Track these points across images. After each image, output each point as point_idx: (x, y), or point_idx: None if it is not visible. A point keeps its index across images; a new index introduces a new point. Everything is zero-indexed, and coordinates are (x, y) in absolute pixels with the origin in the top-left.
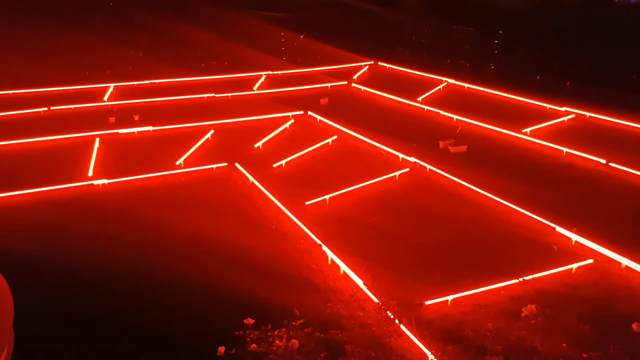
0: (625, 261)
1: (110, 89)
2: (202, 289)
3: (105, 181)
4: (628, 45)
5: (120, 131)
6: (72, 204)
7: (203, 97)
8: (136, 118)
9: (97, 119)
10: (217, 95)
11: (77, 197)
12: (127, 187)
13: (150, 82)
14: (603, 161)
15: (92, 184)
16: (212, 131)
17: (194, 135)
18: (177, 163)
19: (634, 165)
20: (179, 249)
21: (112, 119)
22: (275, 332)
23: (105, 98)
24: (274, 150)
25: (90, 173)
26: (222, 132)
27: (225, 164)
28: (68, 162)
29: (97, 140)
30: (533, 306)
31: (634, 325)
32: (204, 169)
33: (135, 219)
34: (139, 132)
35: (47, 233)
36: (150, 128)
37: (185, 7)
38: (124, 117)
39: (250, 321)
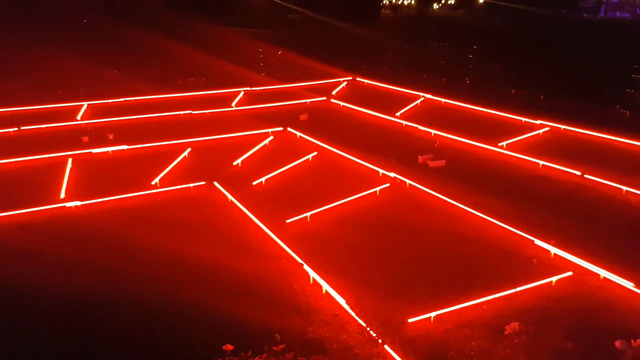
0: (603, 272)
1: (84, 108)
2: (178, 313)
3: (78, 203)
4: (598, 59)
5: (94, 151)
6: (43, 228)
7: (180, 115)
8: (110, 137)
9: (70, 139)
10: (194, 112)
11: (48, 221)
12: (101, 208)
13: (125, 100)
14: (578, 173)
15: (65, 206)
16: (189, 149)
17: (170, 154)
18: (153, 183)
19: (608, 176)
20: (154, 272)
21: (85, 138)
22: (256, 359)
23: (79, 117)
24: (254, 168)
25: (62, 195)
26: (199, 150)
27: (203, 182)
28: (39, 183)
29: (70, 160)
30: (516, 324)
31: (617, 343)
32: (181, 189)
33: (110, 241)
34: (113, 151)
35: (16, 258)
36: (125, 147)
37: (161, 24)
38: (98, 136)
39: (229, 347)
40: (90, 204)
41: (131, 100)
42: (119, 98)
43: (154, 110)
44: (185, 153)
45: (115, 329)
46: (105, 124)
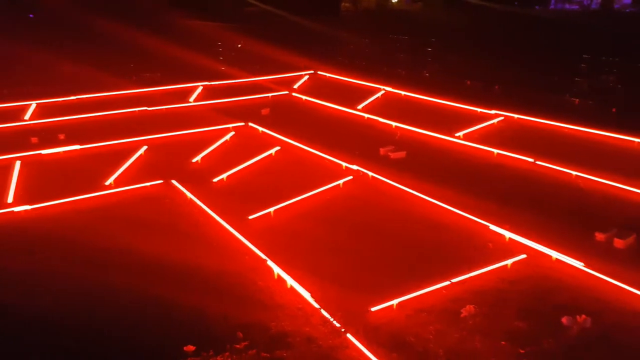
0: (555, 254)
1: (32, 107)
2: (137, 315)
3: (27, 207)
4: (548, 49)
5: (44, 152)
6: None
7: (134, 111)
8: (61, 137)
9: (18, 140)
10: (149, 109)
11: None
12: (52, 212)
13: (76, 98)
14: (531, 160)
15: (12, 211)
16: (145, 147)
17: (125, 153)
18: (107, 183)
19: (559, 162)
20: (112, 274)
21: (34, 139)
22: (218, 358)
23: (27, 117)
24: (214, 164)
25: (9, 199)
26: (156, 147)
27: (161, 181)
28: None
29: (18, 162)
30: (472, 306)
31: (564, 319)
32: (137, 188)
33: (63, 246)
34: (64, 151)
35: None
36: (77, 147)
37: (119, 17)
38: (48, 136)
39: (190, 348)
40: (40, 208)
41: (83, 97)
42: (70, 96)
43: (107, 108)
44: (141, 151)
45: (72, 333)
46: (56, 124)
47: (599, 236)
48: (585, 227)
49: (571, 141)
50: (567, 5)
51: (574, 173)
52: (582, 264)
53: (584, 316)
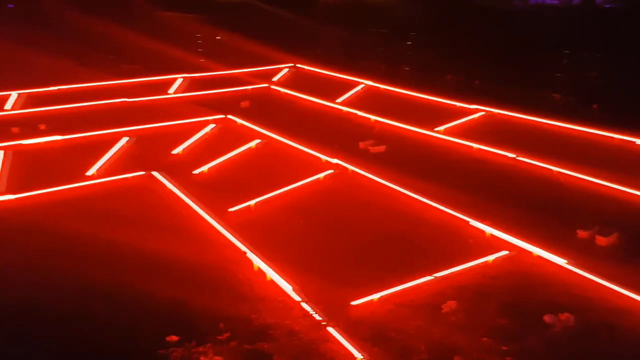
0: (536, 250)
1: (13, 97)
2: (120, 306)
3: (11, 197)
4: (529, 45)
5: (25, 142)
6: None
7: (115, 103)
8: (42, 127)
9: None
10: (129, 100)
11: None
12: (33, 202)
13: (58, 89)
14: (512, 155)
15: None
16: (126, 138)
17: (106, 144)
18: (89, 174)
19: (540, 158)
20: (92, 265)
21: (15, 129)
22: (200, 348)
23: (7, 107)
24: (195, 157)
25: None
26: (137, 139)
27: (142, 172)
28: None
29: (1, 152)
30: (453, 302)
31: (546, 317)
32: (119, 179)
33: (45, 236)
34: (46, 142)
35: None
36: (59, 137)
37: (96, 7)
38: (29, 126)
39: (173, 338)
40: (21, 198)
41: (63, 88)
42: (51, 86)
43: (88, 99)
44: (122, 142)
45: (52, 324)
46: (37, 114)
47: (581, 233)
48: (566, 224)
49: (552, 137)
50: (547, 0)
51: (555, 169)
52: (564, 261)
53: (566, 314)
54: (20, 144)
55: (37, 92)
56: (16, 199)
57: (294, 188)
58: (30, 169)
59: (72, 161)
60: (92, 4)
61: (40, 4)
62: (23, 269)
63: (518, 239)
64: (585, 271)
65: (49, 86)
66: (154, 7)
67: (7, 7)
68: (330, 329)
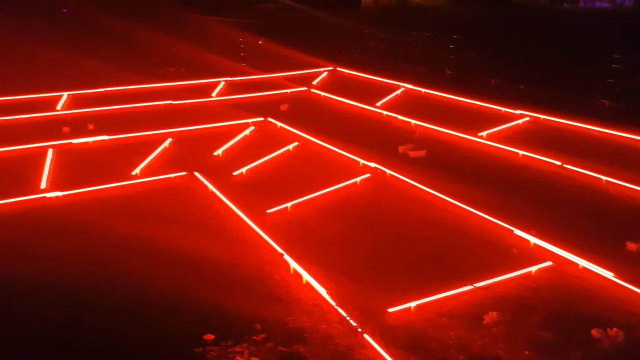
0: (582, 262)
1: (64, 98)
2: (159, 304)
3: (59, 193)
4: (578, 48)
5: (74, 141)
6: (22, 219)
7: (160, 105)
8: (91, 127)
9: (50, 129)
10: (174, 102)
11: (28, 212)
12: (81, 199)
13: (105, 90)
14: (558, 163)
15: (45, 196)
16: (169, 139)
17: (151, 144)
18: (134, 173)
19: (588, 166)
20: (134, 262)
21: (66, 129)
22: (236, 348)
23: (59, 107)
24: (235, 158)
25: (42, 185)
26: (180, 140)
27: (184, 173)
28: (19, 174)
29: (50, 151)
30: (494, 313)
31: (594, 332)
32: (161, 179)
33: (90, 231)
34: (93, 141)
35: None
36: (106, 137)
37: (141, 13)
38: (79, 126)
39: (210, 337)
40: (70, 195)
41: (111, 90)
42: (100, 88)
43: (134, 100)
44: (166, 143)
45: (95, 318)
46: (86, 114)
47: (631, 246)
48: (615, 236)
49: (601, 145)
50: (597, 3)
51: (604, 178)
52: (611, 274)
53: (615, 329)
54: (70, 142)
55: (87, 93)
56: (63, 195)
57: (331, 191)
58: (78, 167)
59: (118, 160)
60: (137, 12)
61: (88, 11)
62: (70, 263)
63: (563, 249)
64: (634, 285)
65: (97, 88)
66: (198, 12)
67: (61, 12)
68: (366, 336)
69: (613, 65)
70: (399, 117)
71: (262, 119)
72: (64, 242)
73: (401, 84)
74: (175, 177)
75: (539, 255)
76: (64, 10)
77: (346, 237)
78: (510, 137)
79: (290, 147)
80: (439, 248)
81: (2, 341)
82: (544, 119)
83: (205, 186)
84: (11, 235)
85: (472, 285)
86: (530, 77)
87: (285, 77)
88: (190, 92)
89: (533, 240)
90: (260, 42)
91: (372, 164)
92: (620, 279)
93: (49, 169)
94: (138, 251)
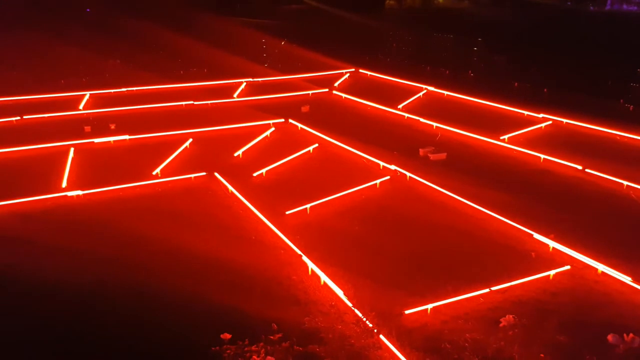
0: (601, 267)
1: (86, 97)
2: (177, 303)
3: (80, 192)
4: (603, 52)
5: (96, 140)
6: (44, 217)
7: (181, 105)
8: (112, 127)
9: (72, 128)
10: (195, 103)
11: (49, 210)
12: (102, 198)
13: (127, 90)
14: (579, 167)
15: (66, 195)
16: (190, 140)
17: (171, 144)
18: (154, 173)
19: (609, 171)
20: (154, 261)
21: (87, 128)
22: (253, 347)
23: (81, 106)
24: (255, 159)
25: (64, 184)
26: (200, 140)
27: (204, 173)
28: (41, 173)
29: (72, 150)
30: (511, 316)
31: (610, 337)
32: (182, 179)
33: (110, 231)
34: (115, 141)
35: (18, 246)
36: (127, 137)
37: (164, 14)
38: (100, 125)
39: (227, 336)
40: (91, 194)
41: (133, 90)
42: (121, 88)
43: (155, 101)
44: (187, 144)
45: (115, 316)
46: (107, 114)
47: None
48: (634, 240)
49: (623, 150)
50: (624, 6)
51: (626, 183)
52: (629, 278)
53: (631, 335)
54: (92, 142)
55: (109, 93)
56: (86, 194)
57: (350, 193)
58: (99, 166)
59: (139, 160)
60: (160, 14)
61: (111, 12)
62: (90, 262)
63: (582, 254)
64: None
65: (120, 87)
66: (221, 14)
67: (85, 11)
68: (382, 337)
69: (638, 70)
70: (421, 119)
71: (282, 120)
72: (84, 239)
73: (423, 86)
74: (195, 177)
75: (557, 259)
76: (87, 10)
77: (365, 239)
78: (532, 141)
79: (311, 148)
80: (457, 251)
81: (26, 329)
82: (566, 122)
83: (225, 187)
84: (32, 232)
85: (489, 288)
86: (554, 80)
87: (307, 79)
88: (212, 92)
89: (552, 244)
90: (282, 43)
91: (392, 167)
92: (638, 284)
93: (70, 168)
94: (157, 250)
